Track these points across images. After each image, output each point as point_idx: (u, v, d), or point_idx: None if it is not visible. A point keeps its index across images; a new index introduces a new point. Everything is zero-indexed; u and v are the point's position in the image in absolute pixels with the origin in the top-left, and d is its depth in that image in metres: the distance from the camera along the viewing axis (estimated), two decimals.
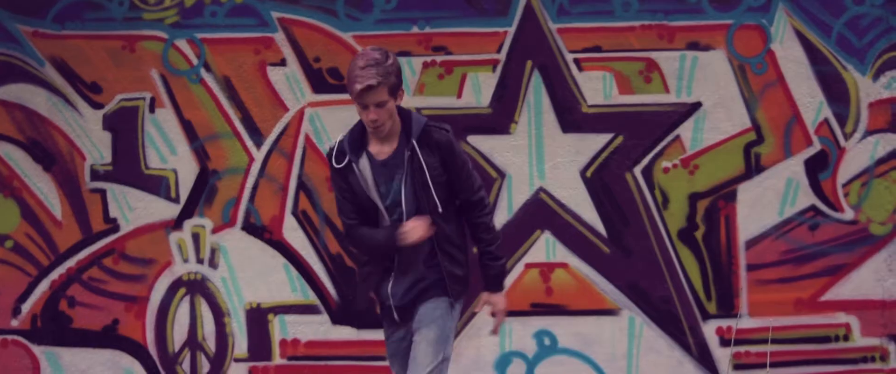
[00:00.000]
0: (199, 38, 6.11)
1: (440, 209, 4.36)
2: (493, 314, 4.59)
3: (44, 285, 6.19)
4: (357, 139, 4.41)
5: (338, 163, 4.42)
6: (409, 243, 4.31)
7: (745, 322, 6.11)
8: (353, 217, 4.46)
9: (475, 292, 4.71)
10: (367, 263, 4.56)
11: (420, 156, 4.33)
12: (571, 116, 6.09)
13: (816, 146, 6.09)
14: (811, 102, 6.07)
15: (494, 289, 4.55)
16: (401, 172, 4.35)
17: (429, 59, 6.07)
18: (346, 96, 5.97)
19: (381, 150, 4.38)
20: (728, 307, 6.12)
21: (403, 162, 4.34)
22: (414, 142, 4.33)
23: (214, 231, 6.16)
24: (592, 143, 6.10)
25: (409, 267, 4.43)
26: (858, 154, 6.09)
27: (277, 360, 6.16)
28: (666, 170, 6.10)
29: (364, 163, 4.38)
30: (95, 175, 6.17)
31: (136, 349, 6.18)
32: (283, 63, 6.11)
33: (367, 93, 4.21)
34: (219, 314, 6.18)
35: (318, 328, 6.14)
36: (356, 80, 4.21)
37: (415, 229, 4.31)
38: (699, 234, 6.11)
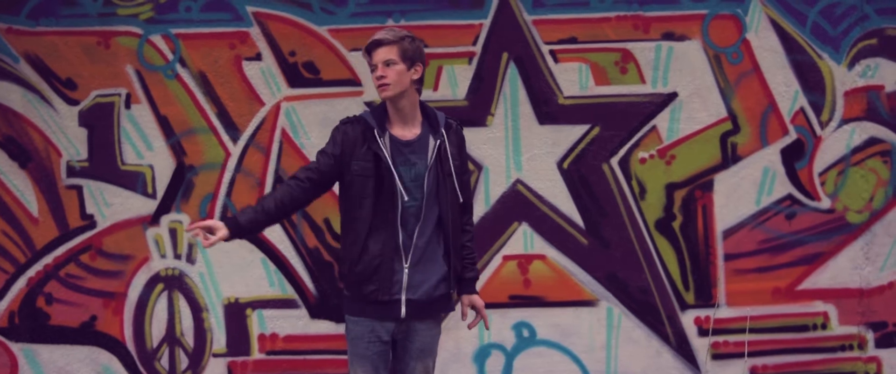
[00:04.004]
0: (174, 33, 6.09)
1: (461, 200, 4.35)
2: (475, 311, 4.63)
3: (21, 283, 6.16)
4: (379, 118, 4.39)
5: (363, 130, 4.35)
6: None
7: (723, 312, 6.12)
8: (305, 181, 4.38)
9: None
10: (378, 254, 4.37)
11: (447, 145, 4.36)
12: (548, 108, 6.08)
13: (792, 135, 6.10)
14: (787, 91, 6.08)
15: (473, 291, 4.61)
16: (422, 158, 4.33)
17: None
18: (322, 90, 6.11)
19: (402, 133, 4.37)
20: (706, 297, 6.13)
21: (427, 149, 4.33)
22: (443, 131, 4.35)
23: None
24: (569, 134, 6.10)
25: (430, 261, 4.37)
26: (834, 143, 6.10)
27: (256, 355, 6.15)
28: (643, 160, 6.10)
29: (386, 139, 4.36)
30: (72, 171, 6.14)
31: (114, 346, 6.16)
32: (258, 57, 6.10)
33: (375, 48, 4.27)
34: (197, 310, 6.17)
35: (296, 322, 6.14)
36: (368, 42, 4.29)
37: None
38: (676, 224, 6.11)
